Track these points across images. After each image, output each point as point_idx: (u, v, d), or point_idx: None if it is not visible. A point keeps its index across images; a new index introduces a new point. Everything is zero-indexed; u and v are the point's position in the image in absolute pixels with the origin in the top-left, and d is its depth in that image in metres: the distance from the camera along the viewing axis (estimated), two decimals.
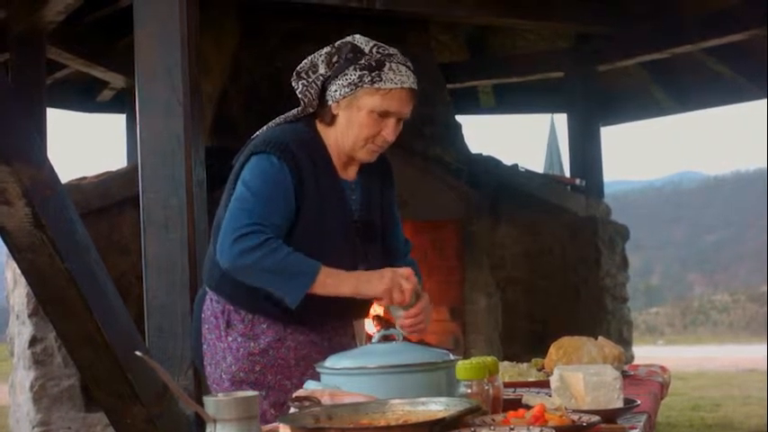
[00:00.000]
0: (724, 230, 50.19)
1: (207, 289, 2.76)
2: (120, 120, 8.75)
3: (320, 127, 2.70)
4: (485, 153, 7.88)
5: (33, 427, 5.77)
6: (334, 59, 2.62)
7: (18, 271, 5.96)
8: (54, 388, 5.80)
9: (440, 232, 7.28)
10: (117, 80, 7.87)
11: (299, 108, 2.70)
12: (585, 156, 8.15)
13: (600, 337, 2.79)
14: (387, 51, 2.62)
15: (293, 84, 2.68)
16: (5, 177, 2.56)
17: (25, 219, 2.64)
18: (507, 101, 9.55)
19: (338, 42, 2.66)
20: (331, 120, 2.66)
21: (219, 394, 1.73)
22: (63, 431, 5.78)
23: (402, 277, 2.53)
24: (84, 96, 8.70)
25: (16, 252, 2.75)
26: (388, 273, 2.53)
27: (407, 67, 2.63)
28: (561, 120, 13.93)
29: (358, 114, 2.61)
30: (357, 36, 2.66)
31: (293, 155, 2.59)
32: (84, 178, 6.31)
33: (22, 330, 5.97)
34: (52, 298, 2.88)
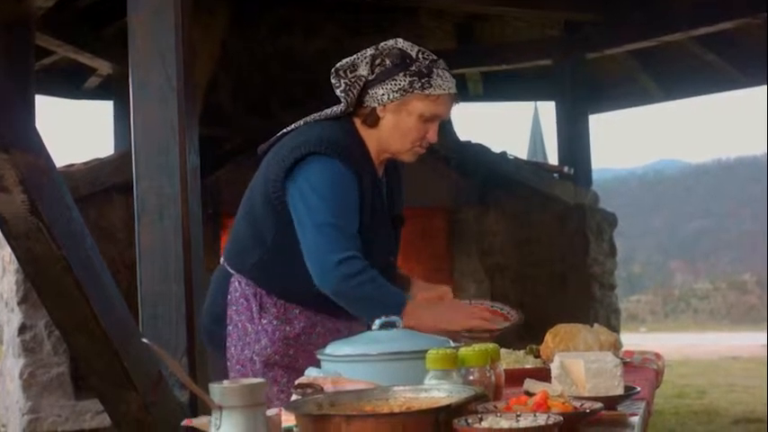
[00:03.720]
0: (705, 219, 50.43)
1: (232, 271, 2.81)
2: (106, 106, 8.70)
3: (360, 127, 2.75)
4: (470, 141, 7.89)
5: (23, 415, 5.76)
6: (377, 62, 2.68)
7: (6, 259, 5.95)
8: (44, 376, 5.79)
9: (429, 220, 7.29)
10: (104, 67, 7.83)
11: (341, 107, 2.74)
12: (574, 144, 8.16)
13: (595, 324, 2.80)
14: (431, 57, 2.70)
15: (333, 81, 2.73)
16: (2, 165, 2.55)
17: (22, 206, 2.63)
18: (495, 89, 9.56)
19: (382, 45, 2.72)
20: (375, 122, 2.71)
21: (225, 381, 1.73)
22: (53, 419, 5.77)
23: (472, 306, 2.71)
24: (71, 83, 8.65)
25: (12, 239, 2.74)
26: (461, 305, 2.73)
27: (449, 72, 2.72)
28: (544, 108, 14.04)
29: (407, 119, 2.68)
30: (400, 40, 2.72)
31: (353, 158, 2.66)
32: (73, 165, 6.30)
33: (11, 318, 5.95)
34: (48, 285, 2.87)
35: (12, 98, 2.63)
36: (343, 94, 2.71)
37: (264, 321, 2.73)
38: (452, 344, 2.18)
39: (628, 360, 2.77)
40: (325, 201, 2.60)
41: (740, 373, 12.77)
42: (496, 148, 8.00)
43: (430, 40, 8.27)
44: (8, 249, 5.73)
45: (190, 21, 3.65)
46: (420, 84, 2.64)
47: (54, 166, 2.77)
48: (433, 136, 2.72)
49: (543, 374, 2.30)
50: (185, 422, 2.08)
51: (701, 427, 8.43)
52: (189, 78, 3.57)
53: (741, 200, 47.31)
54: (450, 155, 7.30)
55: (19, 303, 5.78)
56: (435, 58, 2.71)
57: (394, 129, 2.70)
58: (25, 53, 5.87)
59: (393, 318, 2.31)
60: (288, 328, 2.73)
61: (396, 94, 2.66)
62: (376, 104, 2.69)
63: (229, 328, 2.77)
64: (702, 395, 10.51)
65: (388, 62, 2.67)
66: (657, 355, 2.97)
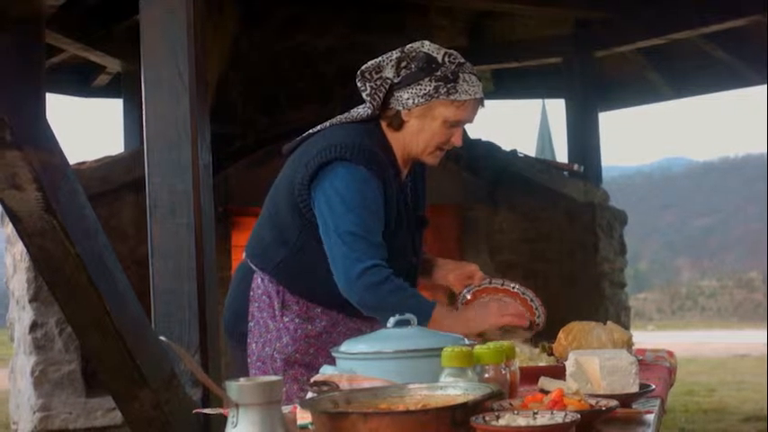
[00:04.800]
0: (711, 216, 50.39)
1: (255, 269, 2.81)
2: (115, 104, 8.71)
3: (386, 130, 2.74)
4: (480, 139, 7.88)
5: (34, 413, 5.76)
6: (403, 65, 2.66)
7: (18, 257, 5.96)
8: (55, 373, 5.79)
9: (439, 217, 7.26)
10: (113, 64, 7.83)
11: (368, 109, 2.72)
12: (584, 141, 8.16)
13: (609, 322, 2.79)
14: (458, 60, 2.67)
15: (358, 83, 2.71)
16: (16, 162, 2.54)
17: (36, 204, 2.63)
18: (505, 86, 9.54)
19: (408, 47, 2.70)
20: (399, 125, 2.70)
21: (242, 379, 1.73)
22: (64, 416, 5.77)
23: (503, 304, 2.74)
24: (80, 81, 8.66)
25: (26, 237, 2.74)
26: (492, 306, 2.70)
27: (477, 76, 2.70)
28: (553, 105, 14.00)
29: (432, 124, 2.67)
30: (426, 43, 2.70)
31: (379, 164, 2.64)
32: (84, 163, 6.30)
33: (22, 316, 5.96)
34: (62, 283, 2.87)
35: (24, 96, 2.63)
36: (368, 98, 2.69)
37: (286, 319, 2.74)
38: (467, 342, 2.18)
39: (640, 358, 2.76)
40: (350, 208, 2.59)
41: (749, 370, 12.75)
42: (504, 146, 8.00)
43: (440, 37, 8.26)
44: (19, 247, 5.74)
45: (203, 18, 3.66)
46: (445, 89, 2.62)
47: (68, 163, 2.77)
48: (457, 140, 2.72)
49: (558, 372, 2.30)
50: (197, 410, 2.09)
51: (711, 424, 8.41)
52: (201, 76, 3.56)
53: (748, 197, 47.22)
54: (460, 152, 7.28)
55: (30, 301, 5.78)
56: (462, 61, 2.68)
57: (418, 133, 2.69)
58: (36, 51, 5.86)
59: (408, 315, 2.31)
60: (309, 327, 2.73)
61: (421, 99, 2.64)
62: (401, 108, 2.67)
63: (251, 324, 2.78)
64: (712, 393, 10.49)
65: (413, 65, 2.64)
66: (670, 353, 2.97)
